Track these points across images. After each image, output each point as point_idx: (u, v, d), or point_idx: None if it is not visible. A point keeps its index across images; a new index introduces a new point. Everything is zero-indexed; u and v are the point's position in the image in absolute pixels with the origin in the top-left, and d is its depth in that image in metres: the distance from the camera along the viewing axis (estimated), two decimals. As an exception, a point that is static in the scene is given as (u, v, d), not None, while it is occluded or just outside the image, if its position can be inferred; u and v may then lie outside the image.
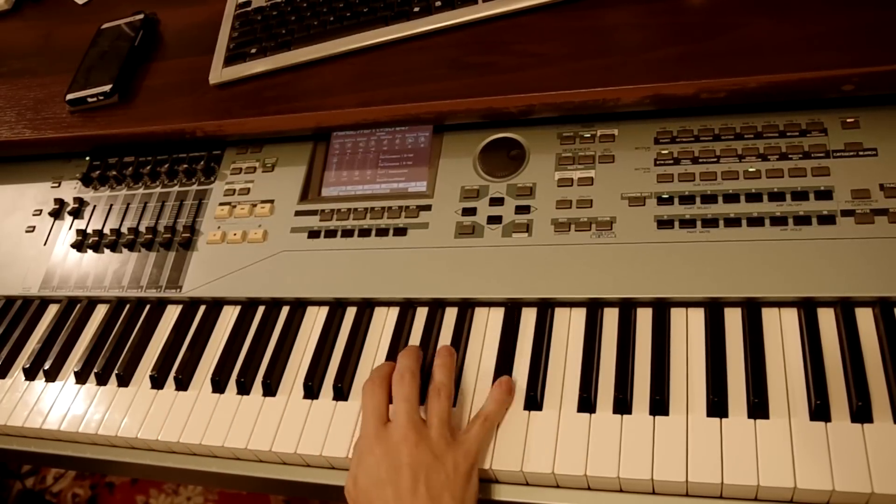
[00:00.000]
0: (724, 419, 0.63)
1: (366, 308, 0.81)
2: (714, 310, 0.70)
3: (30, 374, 0.88)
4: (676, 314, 0.71)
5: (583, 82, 0.77)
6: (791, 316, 0.69)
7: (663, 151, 0.78)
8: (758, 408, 0.63)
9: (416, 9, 0.89)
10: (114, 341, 0.88)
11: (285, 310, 0.84)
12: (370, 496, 0.63)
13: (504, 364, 0.72)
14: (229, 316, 0.86)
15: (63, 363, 0.89)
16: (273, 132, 0.92)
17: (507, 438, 0.67)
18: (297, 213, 0.88)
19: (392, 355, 0.76)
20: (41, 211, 1.02)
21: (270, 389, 0.78)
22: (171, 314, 0.89)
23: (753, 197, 0.73)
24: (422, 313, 0.79)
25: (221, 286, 0.86)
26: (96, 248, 0.95)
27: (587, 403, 0.67)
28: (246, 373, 0.80)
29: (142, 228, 0.94)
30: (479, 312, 0.77)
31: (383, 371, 0.72)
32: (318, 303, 0.83)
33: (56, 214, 1.00)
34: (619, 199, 0.77)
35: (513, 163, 0.83)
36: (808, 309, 0.68)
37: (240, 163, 0.95)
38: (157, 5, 1.10)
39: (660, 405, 0.65)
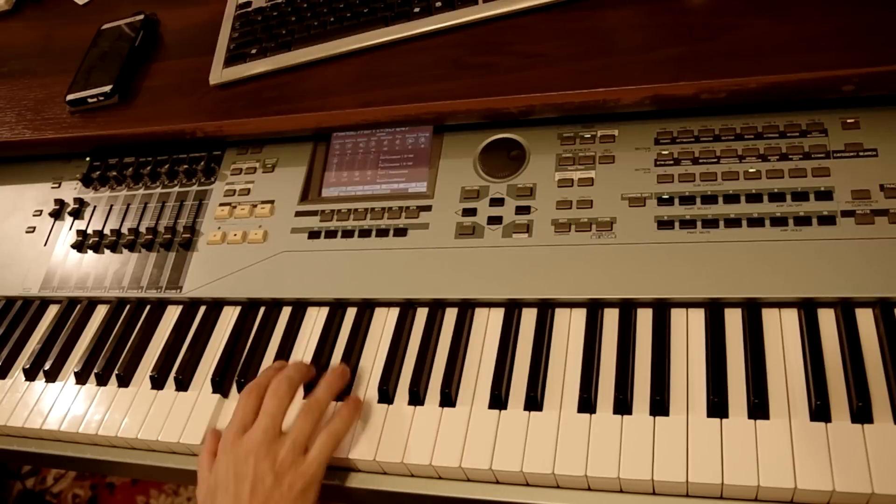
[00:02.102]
0: (724, 419, 0.63)
1: (366, 308, 0.81)
2: (714, 310, 0.70)
3: (30, 375, 0.88)
4: (677, 315, 0.71)
5: (583, 83, 0.77)
6: (791, 316, 0.69)
7: (663, 152, 0.78)
8: (758, 408, 0.63)
9: (416, 9, 0.89)
10: (114, 342, 0.87)
11: (286, 310, 0.84)
12: (214, 496, 0.67)
13: (504, 364, 0.72)
14: (229, 316, 0.86)
15: (63, 363, 0.89)
16: (273, 133, 0.92)
17: (507, 438, 0.67)
18: (298, 214, 0.88)
19: (392, 355, 0.76)
20: (41, 211, 1.02)
21: (271, 390, 0.78)
22: (172, 315, 0.89)
23: (754, 197, 0.73)
24: (422, 314, 0.79)
25: (222, 287, 0.86)
26: (96, 248, 0.95)
27: (587, 404, 0.67)
28: (246, 373, 0.80)
29: (142, 229, 0.94)
30: (480, 313, 0.77)
31: (263, 379, 0.73)
32: (319, 303, 0.83)
33: (56, 215, 1.00)
34: (619, 199, 0.77)
35: (513, 163, 0.83)
36: (808, 309, 0.68)
37: (240, 163, 0.95)
38: (157, 5, 1.10)
39: (660, 406, 0.65)
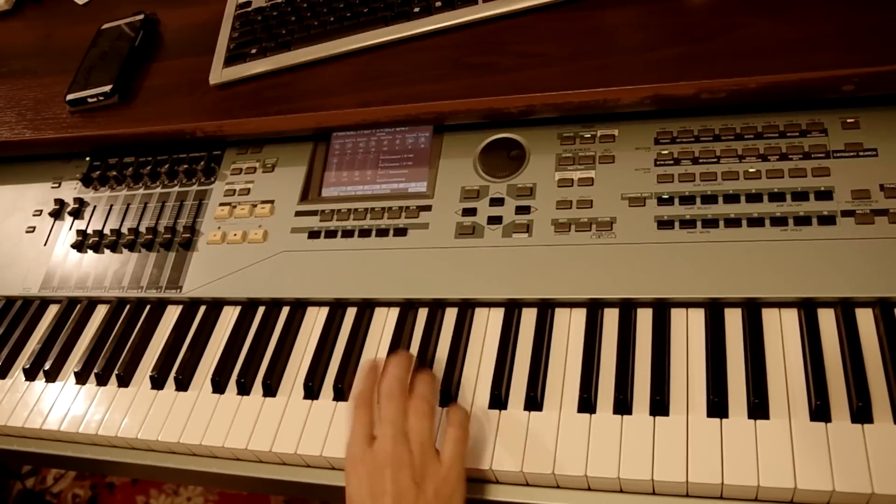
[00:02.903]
0: (724, 419, 0.63)
1: (366, 308, 0.81)
2: (714, 310, 0.70)
3: (30, 375, 0.88)
4: (677, 314, 0.71)
5: (583, 82, 0.77)
6: (791, 316, 0.69)
7: (663, 152, 0.78)
8: (758, 408, 0.63)
9: (416, 9, 0.89)
10: (114, 342, 0.88)
11: (285, 310, 0.84)
12: None
13: (503, 364, 0.72)
14: (229, 316, 0.86)
15: (63, 363, 0.89)
16: (273, 132, 0.92)
17: (507, 439, 0.67)
18: (298, 214, 0.88)
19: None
20: (41, 211, 1.02)
21: (271, 390, 0.78)
22: (172, 314, 0.89)
23: (754, 197, 0.73)
24: (422, 314, 0.79)
25: (221, 286, 0.86)
26: (96, 248, 0.95)
27: (587, 404, 0.67)
28: (246, 373, 0.80)
29: (142, 229, 0.94)
30: (480, 313, 0.77)
31: (368, 387, 0.70)
32: (319, 303, 0.83)
33: (56, 215, 1.00)
34: (619, 199, 0.77)
35: (513, 163, 0.83)
36: (808, 309, 0.68)
37: (240, 163, 0.95)
38: (157, 5, 1.10)
39: (660, 405, 0.65)
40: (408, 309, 0.80)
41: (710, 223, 0.73)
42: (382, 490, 0.62)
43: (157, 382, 0.82)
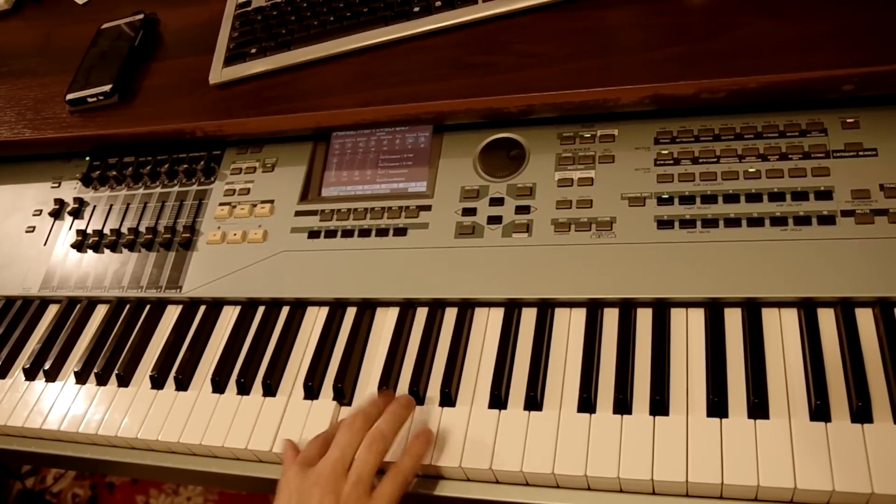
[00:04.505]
0: (724, 419, 0.63)
1: (366, 308, 0.81)
2: (714, 310, 0.70)
3: (30, 375, 0.88)
4: (676, 314, 0.71)
5: (583, 82, 0.77)
6: (791, 316, 0.69)
7: (663, 151, 0.78)
8: (758, 408, 0.63)
9: (416, 9, 0.89)
10: (114, 341, 0.88)
11: (285, 310, 0.84)
12: None
13: (503, 364, 0.72)
14: (229, 316, 0.86)
15: (63, 363, 0.89)
16: (273, 132, 0.92)
17: (507, 438, 0.67)
18: (297, 214, 0.88)
19: (392, 355, 0.76)
20: (41, 211, 1.02)
21: (270, 390, 0.78)
22: (171, 314, 0.89)
23: (753, 197, 0.73)
24: (422, 313, 0.79)
25: (221, 286, 0.86)
26: (96, 248, 0.95)
27: (587, 403, 0.67)
28: (246, 373, 0.80)
29: (142, 229, 0.94)
30: (479, 312, 0.77)
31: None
32: (319, 303, 0.83)
33: (56, 215, 1.00)
34: (619, 199, 0.77)
35: (513, 163, 0.83)
36: (808, 309, 0.68)
37: (240, 163, 0.95)
38: (157, 5, 1.10)
39: (660, 405, 0.65)
40: (407, 309, 0.80)
41: (710, 223, 0.73)
42: (310, 497, 0.63)
43: (157, 382, 0.82)
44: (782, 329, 0.68)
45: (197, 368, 0.83)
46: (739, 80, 0.72)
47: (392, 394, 0.73)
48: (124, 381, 0.84)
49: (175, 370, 0.82)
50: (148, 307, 0.90)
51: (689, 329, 0.70)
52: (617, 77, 0.76)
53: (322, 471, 0.65)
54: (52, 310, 0.95)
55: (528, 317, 0.75)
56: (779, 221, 0.71)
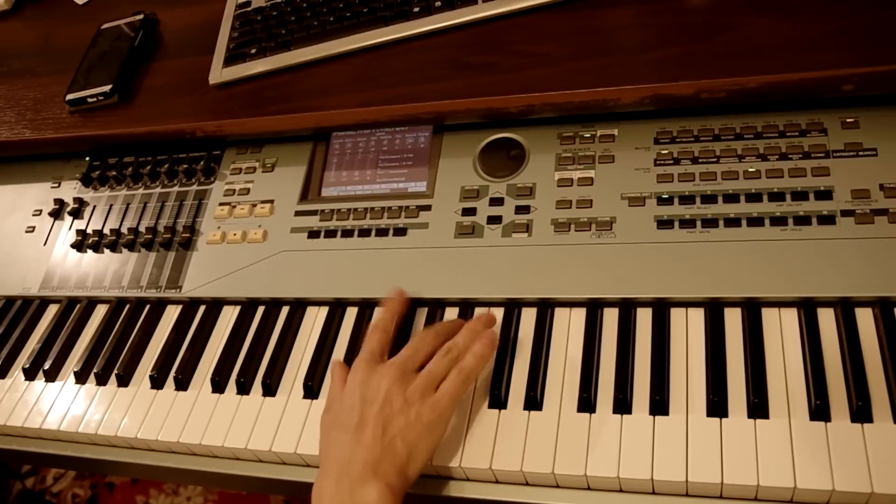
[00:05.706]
0: (724, 419, 0.63)
1: (366, 308, 0.81)
2: (714, 310, 0.70)
3: (30, 374, 0.88)
4: (676, 314, 0.71)
5: (583, 82, 0.77)
6: (791, 316, 0.69)
7: (663, 151, 0.78)
8: (758, 408, 0.63)
9: (416, 9, 0.89)
10: (114, 341, 0.87)
11: (285, 310, 0.84)
12: (338, 417, 0.67)
13: (503, 364, 0.72)
14: (229, 316, 0.86)
15: (63, 363, 0.89)
16: (273, 132, 0.92)
17: (507, 438, 0.67)
18: (297, 214, 0.88)
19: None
20: (41, 211, 1.02)
21: (270, 389, 0.78)
22: (171, 314, 0.89)
23: (753, 197, 0.73)
24: (422, 313, 0.79)
25: (221, 286, 0.86)
26: (96, 248, 0.95)
27: (587, 403, 0.67)
28: (246, 373, 0.80)
29: (142, 228, 0.94)
30: (479, 313, 0.77)
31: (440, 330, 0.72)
32: (318, 303, 0.83)
33: (56, 214, 1.00)
34: (619, 199, 0.77)
35: (513, 163, 0.83)
36: (808, 309, 0.68)
37: (240, 163, 0.95)
38: (157, 5, 1.10)
39: (660, 405, 0.65)
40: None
41: (710, 223, 0.73)
42: (373, 398, 0.65)
43: (157, 382, 0.82)
44: (782, 329, 0.68)
45: (197, 368, 0.83)
46: (739, 80, 0.72)
47: (462, 323, 0.74)
48: (124, 381, 0.84)
49: (175, 370, 0.82)
50: (148, 307, 0.90)
51: (688, 329, 0.70)
52: (617, 77, 0.76)
53: (393, 363, 0.68)
54: (52, 310, 0.95)
55: (528, 316, 0.75)
56: (779, 221, 0.71)
